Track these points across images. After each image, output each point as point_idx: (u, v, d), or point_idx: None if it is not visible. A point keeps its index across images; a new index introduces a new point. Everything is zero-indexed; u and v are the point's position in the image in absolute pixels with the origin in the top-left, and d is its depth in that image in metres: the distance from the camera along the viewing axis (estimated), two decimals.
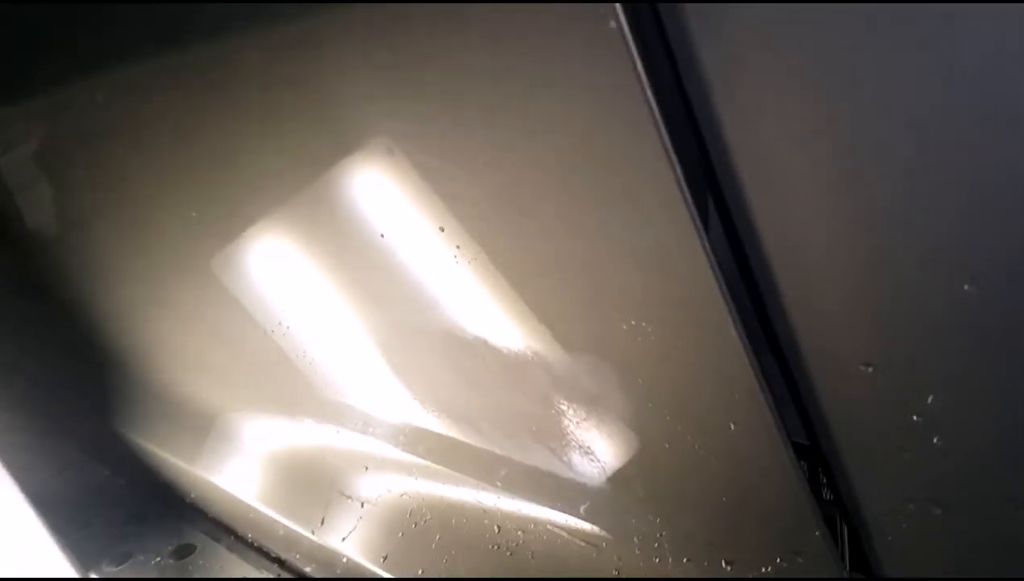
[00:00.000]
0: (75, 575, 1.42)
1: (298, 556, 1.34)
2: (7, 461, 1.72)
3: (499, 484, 1.00)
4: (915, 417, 0.66)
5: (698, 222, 0.63)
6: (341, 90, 0.78)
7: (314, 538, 1.23)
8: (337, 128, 0.82)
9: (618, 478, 0.87)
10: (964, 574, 0.72)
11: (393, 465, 1.16)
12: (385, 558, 1.13)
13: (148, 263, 1.34)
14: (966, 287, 0.57)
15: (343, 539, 1.18)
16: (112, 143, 1.23)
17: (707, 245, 0.64)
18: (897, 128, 0.53)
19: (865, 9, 0.50)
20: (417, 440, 1.09)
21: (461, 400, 1.01)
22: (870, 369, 0.65)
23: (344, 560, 1.17)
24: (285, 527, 1.32)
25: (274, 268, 1.06)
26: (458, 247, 0.82)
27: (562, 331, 0.82)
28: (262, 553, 1.41)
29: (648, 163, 0.61)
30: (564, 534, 0.93)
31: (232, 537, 1.47)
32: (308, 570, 1.32)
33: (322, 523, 1.22)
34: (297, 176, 0.90)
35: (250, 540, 1.44)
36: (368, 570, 1.13)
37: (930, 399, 0.64)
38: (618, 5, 0.55)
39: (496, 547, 1.00)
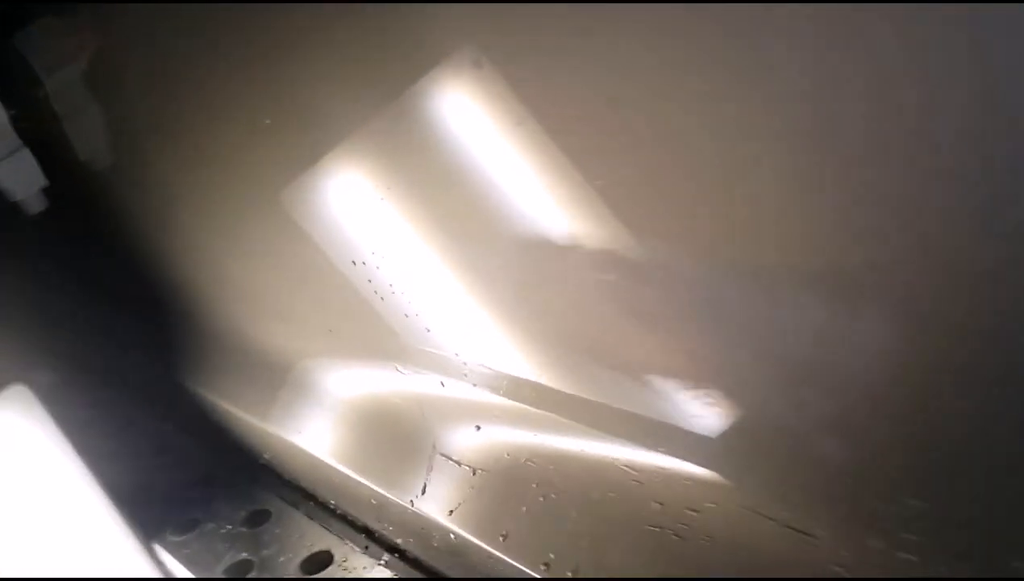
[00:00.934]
0: (136, 544, 1.29)
1: (391, 527, 1.19)
2: (60, 418, 1.55)
3: (660, 448, 0.80)
4: None
5: None
6: None
7: (413, 509, 1.02)
8: (418, 38, 0.79)
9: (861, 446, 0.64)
10: None
11: (513, 422, 0.99)
12: (504, 537, 0.96)
13: (212, 192, 1.27)
14: None
15: (450, 512, 0.99)
16: (170, 51, 1.16)
17: None
18: None
19: None
20: (544, 392, 0.92)
21: (605, 337, 0.83)
22: None
23: (451, 536, 0.99)
24: (376, 493, 1.15)
25: (355, 191, 0.99)
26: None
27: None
28: (347, 522, 1.29)
29: None
30: (761, 517, 0.71)
31: (312, 503, 1.35)
32: (403, 544, 1.17)
33: (423, 492, 1.03)
34: (378, 89, 0.87)
35: (332, 506, 1.32)
36: (482, 550, 0.97)
37: None
38: None
39: (658, 529, 0.80)
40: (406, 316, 1.03)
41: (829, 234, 0.60)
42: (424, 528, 1.08)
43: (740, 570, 0.75)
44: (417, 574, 1.12)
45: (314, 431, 1.28)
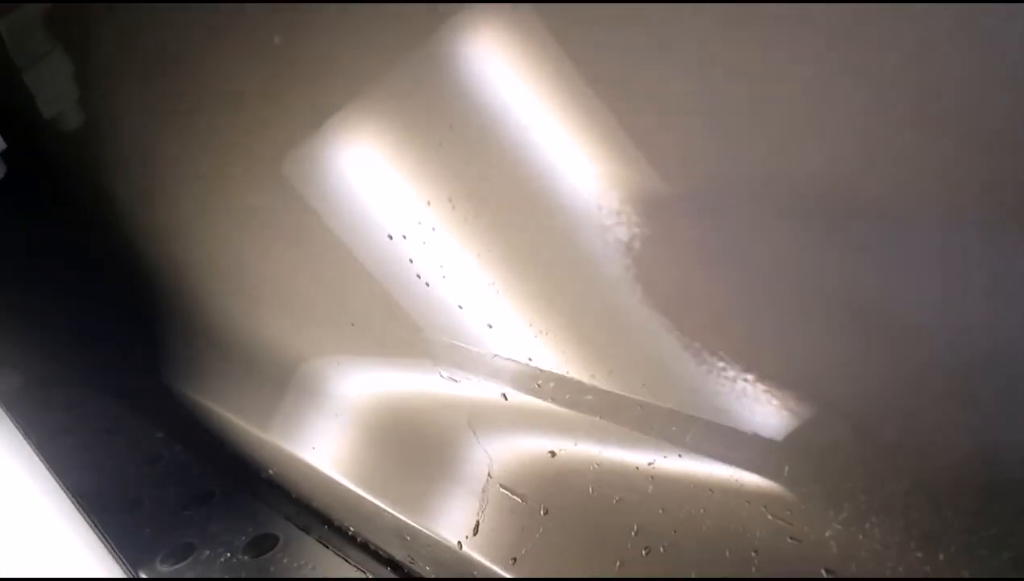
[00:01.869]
0: (120, 575, 1.13)
1: (428, 568, 0.98)
2: (29, 424, 1.42)
3: (811, 492, 0.57)
4: None
5: None
6: None
7: (462, 552, 0.80)
8: None
9: None
10: None
11: (601, 446, 0.77)
12: None
13: (201, 157, 1.08)
14: None
15: (513, 560, 0.77)
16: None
17: None
18: None
19: None
20: (649, 411, 0.70)
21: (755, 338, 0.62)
22: None
23: None
24: (408, 527, 0.96)
25: (367, 163, 0.82)
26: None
27: None
28: (369, 552, 1.10)
29: None
30: None
31: (326, 527, 1.18)
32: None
33: (476, 531, 0.80)
34: (396, 39, 0.73)
35: (351, 533, 1.13)
36: None
37: None
38: None
39: None
40: (460, 307, 0.81)
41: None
42: (477, 575, 0.87)
43: None
44: None
45: (328, 446, 1.10)
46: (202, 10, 0.94)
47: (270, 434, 1.19)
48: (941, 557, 0.55)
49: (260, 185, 1.01)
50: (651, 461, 0.72)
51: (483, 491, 0.87)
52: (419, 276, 0.83)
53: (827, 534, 0.61)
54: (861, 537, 0.59)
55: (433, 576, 0.98)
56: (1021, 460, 0.50)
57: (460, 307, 0.81)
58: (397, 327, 0.93)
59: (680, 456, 0.69)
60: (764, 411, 0.63)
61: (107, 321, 1.65)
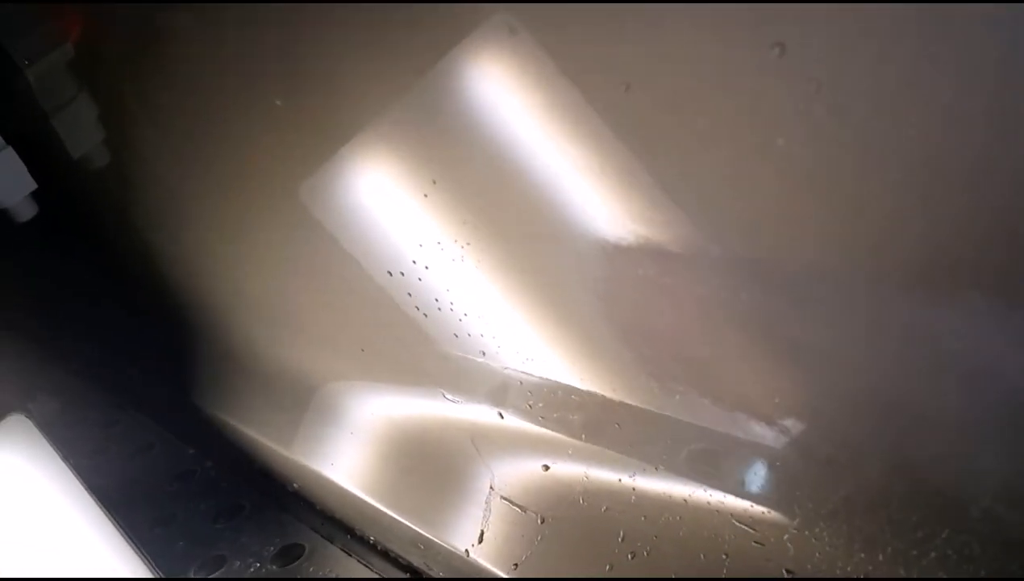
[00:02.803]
0: None
1: (442, 572, 1.04)
2: (68, 445, 1.44)
3: (785, 504, 0.64)
4: None
5: None
6: None
7: (470, 559, 0.86)
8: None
9: None
10: None
11: (589, 461, 0.83)
12: None
13: (221, 193, 1.14)
14: None
15: (515, 565, 0.82)
16: (164, 30, 1.03)
17: None
18: None
19: None
20: (628, 432, 0.77)
21: (713, 360, 0.68)
22: None
23: None
24: (422, 537, 1.02)
25: (386, 186, 0.85)
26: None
27: None
28: (389, 559, 1.14)
29: None
30: None
31: (349, 536, 1.21)
32: None
33: (481, 540, 0.86)
34: (406, 66, 0.76)
35: (372, 542, 1.18)
36: None
37: None
38: None
39: None
40: (455, 336, 0.88)
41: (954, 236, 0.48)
42: (481, 575, 0.93)
43: None
44: None
45: (346, 463, 1.14)
46: (216, 50, 0.98)
47: (293, 451, 1.23)
48: (880, 558, 0.61)
49: (278, 215, 1.05)
50: (632, 474, 0.78)
51: (486, 502, 0.92)
52: (418, 307, 0.89)
53: (785, 538, 0.67)
54: (814, 541, 0.65)
55: (443, 577, 1.03)
56: (936, 472, 0.56)
57: (456, 336, 0.88)
58: (403, 352, 0.98)
59: (657, 469, 0.75)
60: (725, 436, 0.69)
61: (139, 347, 1.66)
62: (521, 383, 0.83)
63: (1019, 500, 0.52)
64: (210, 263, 1.30)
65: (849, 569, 0.62)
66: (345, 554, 1.19)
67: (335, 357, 1.15)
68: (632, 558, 0.77)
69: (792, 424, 0.63)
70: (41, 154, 1.31)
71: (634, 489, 0.78)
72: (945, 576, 0.55)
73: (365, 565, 1.16)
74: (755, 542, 0.68)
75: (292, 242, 1.06)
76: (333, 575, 1.16)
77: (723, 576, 0.70)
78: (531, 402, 0.83)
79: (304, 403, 1.21)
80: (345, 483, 1.14)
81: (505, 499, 0.90)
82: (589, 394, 0.77)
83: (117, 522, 1.15)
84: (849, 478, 0.61)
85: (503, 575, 0.88)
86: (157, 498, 1.42)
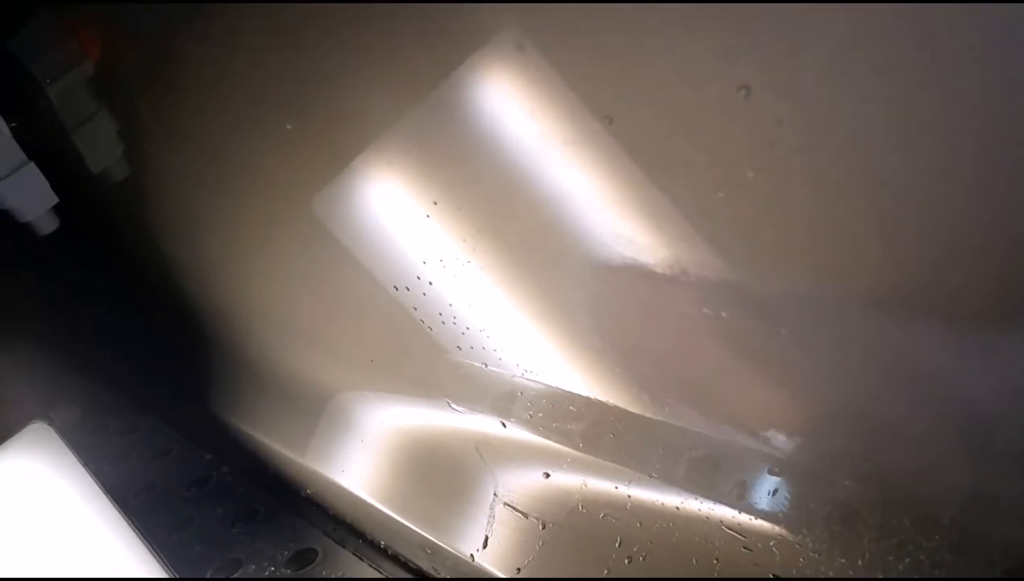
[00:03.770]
0: None
1: (449, 576, 1.06)
2: (98, 450, 1.57)
3: (771, 513, 0.67)
4: None
5: None
6: None
7: (475, 563, 0.88)
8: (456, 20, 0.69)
9: None
10: None
11: (587, 471, 0.86)
12: None
13: (234, 207, 1.17)
14: None
15: (518, 569, 0.85)
16: (178, 49, 1.06)
17: None
18: None
19: None
20: (624, 442, 0.80)
21: (704, 381, 0.71)
22: None
23: None
24: (429, 542, 1.04)
25: (391, 202, 0.88)
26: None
27: None
28: (399, 563, 1.16)
29: None
30: None
31: (360, 541, 1.23)
32: None
33: (485, 545, 0.88)
34: (415, 84, 0.76)
35: (383, 547, 1.19)
36: None
37: None
38: None
39: None
40: (459, 348, 0.91)
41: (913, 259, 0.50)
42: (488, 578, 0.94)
43: None
44: None
45: (357, 470, 1.17)
46: (226, 73, 1.01)
47: (306, 458, 1.25)
48: (859, 563, 0.63)
49: (289, 230, 1.07)
50: (627, 482, 0.81)
51: (490, 508, 0.95)
52: (423, 321, 0.91)
53: (771, 544, 0.70)
54: (798, 547, 0.67)
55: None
56: (906, 483, 0.59)
57: (459, 348, 0.91)
58: (410, 364, 1.01)
59: (651, 477, 0.78)
60: (713, 448, 0.71)
61: (157, 356, 1.67)
62: (521, 393, 0.85)
63: (984, 510, 0.55)
64: (226, 275, 1.33)
65: (831, 573, 0.65)
66: (357, 558, 1.21)
67: (346, 368, 1.18)
68: (629, 563, 0.80)
69: (773, 436, 0.66)
70: (62, 169, 1.33)
71: (629, 497, 0.81)
72: (919, 578, 0.57)
73: (376, 569, 1.17)
74: (744, 548, 0.71)
75: (304, 256, 1.09)
76: (346, 579, 1.17)
77: (714, 579, 0.72)
78: (531, 412, 0.86)
79: (317, 411, 1.23)
80: (356, 489, 1.16)
81: (508, 505, 0.92)
82: (586, 405, 0.80)
83: (136, 526, 1.18)
84: (827, 488, 0.63)
85: (506, 578, 0.90)
86: (175, 503, 1.44)
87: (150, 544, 1.16)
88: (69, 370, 1.80)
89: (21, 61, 1.28)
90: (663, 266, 0.65)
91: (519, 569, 0.89)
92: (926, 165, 0.48)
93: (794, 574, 0.67)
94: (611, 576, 0.80)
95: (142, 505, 1.42)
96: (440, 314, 0.88)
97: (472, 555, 0.95)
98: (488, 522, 0.94)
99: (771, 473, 0.68)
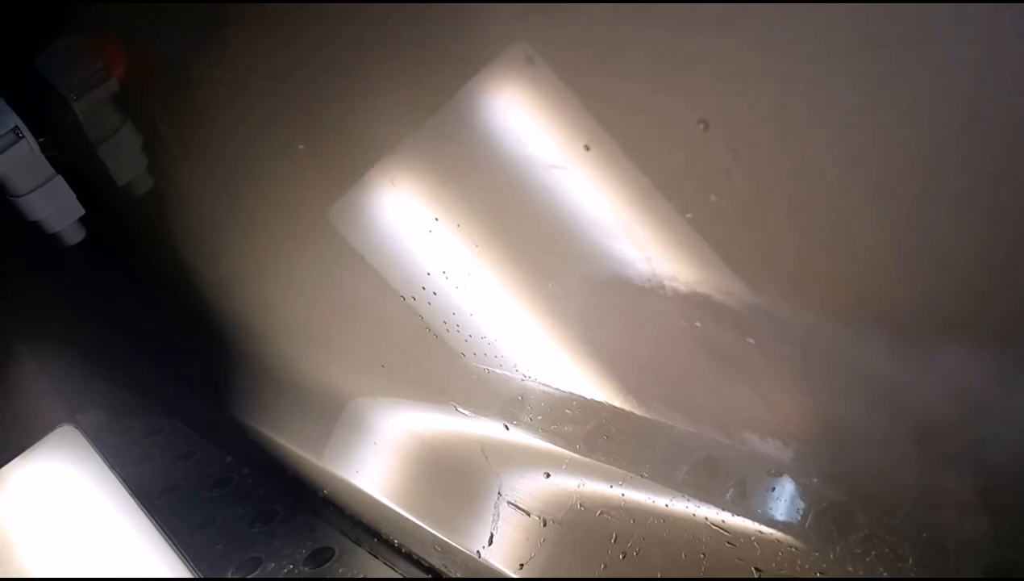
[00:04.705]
0: None
1: (458, 573, 1.10)
2: (123, 452, 1.62)
3: (754, 511, 0.71)
4: None
5: None
6: None
7: (481, 560, 0.92)
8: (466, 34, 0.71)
9: None
10: None
11: (585, 472, 0.89)
12: None
13: (251, 218, 1.21)
14: None
15: (521, 565, 0.89)
16: (197, 67, 1.10)
17: None
18: None
19: None
20: (618, 444, 0.84)
21: (692, 387, 0.75)
22: None
23: None
24: (439, 540, 1.08)
25: (402, 215, 0.91)
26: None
27: None
28: (412, 561, 1.20)
29: None
30: None
31: (375, 540, 1.27)
32: None
33: (491, 542, 0.93)
34: (425, 99, 0.79)
35: (397, 545, 1.23)
36: None
37: None
38: None
39: None
40: (463, 355, 0.94)
41: (988, 284, 0.51)
42: (495, 575, 0.98)
43: None
44: None
45: (371, 471, 1.20)
46: (240, 95, 1.05)
47: (323, 460, 1.28)
48: (831, 556, 0.68)
49: (304, 241, 1.11)
50: (621, 482, 0.85)
51: (495, 507, 0.99)
52: (428, 329, 0.95)
53: (752, 539, 0.74)
54: (776, 542, 0.72)
55: (460, 577, 1.08)
56: (867, 482, 0.63)
57: (463, 355, 0.95)
58: (418, 370, 1.05)
59: (642, 477, 0.82)
60: (696, 449, 0.76)
61: (181, 362, 1.70)
62: (522, 398, 0.90)
63: (934, 503, 0.59)
64: (244, 284, 1.37)
65: (807, 566, 0.69)
66: (372, 557, 1.24)
67: (359, 373, 1.22)
68: (623, 558, 0.84)
69: (748, 438, 0.70)
70: (88, 182, 1.37)
71: (623, 496, 0.85)
72: (884, 571, 0.61)
73: (390, 567, 1.21)
74: (727, 543, 0.75)
75: (317, 266, 1.13)
76: (361, 577, 1.21)
77: (701, 573, 0.76)
78: (532, 415, 0.90)
79: (333, 415, 1.27)
80: (370, 490, 1.20)
81: (512, 504, 0.96)
82: (581, 409, 0.84)
83: (159, 525, 1.21)
84: (798, 487, 0.68)
85: (511, 574, 0.94)
86: (197, 503, 1.47)
87: (173, 543, 1.20)
88: (95, 376, 1.85)
89: (48, 78, 1.32)
90: (642, 279, 0.69)
91: (522, 565, 0.93)
92: (865, 190, 0.52)
93: (773, 568, 0.71)
94: (607, 572, 0.84)
95: (165, 505, 1.46)
96: (444, 322, 0.92)
97: (479, 551, 0.99)
98: (493, 520, 0.98)
99: (747, 473, 0.72)
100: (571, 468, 0.90)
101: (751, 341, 0.64)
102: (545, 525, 0.92)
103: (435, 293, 0.91)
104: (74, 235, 1.37)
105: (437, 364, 0.99)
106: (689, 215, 0.61)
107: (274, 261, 1.23)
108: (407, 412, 1.15)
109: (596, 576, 0.84)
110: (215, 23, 0.99)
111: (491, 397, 0.94)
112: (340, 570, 1.23)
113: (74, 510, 1.26)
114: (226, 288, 1.41)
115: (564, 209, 0.73)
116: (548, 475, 0.92)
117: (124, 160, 1.38)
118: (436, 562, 1.13)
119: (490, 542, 0.97)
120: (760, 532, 0.72)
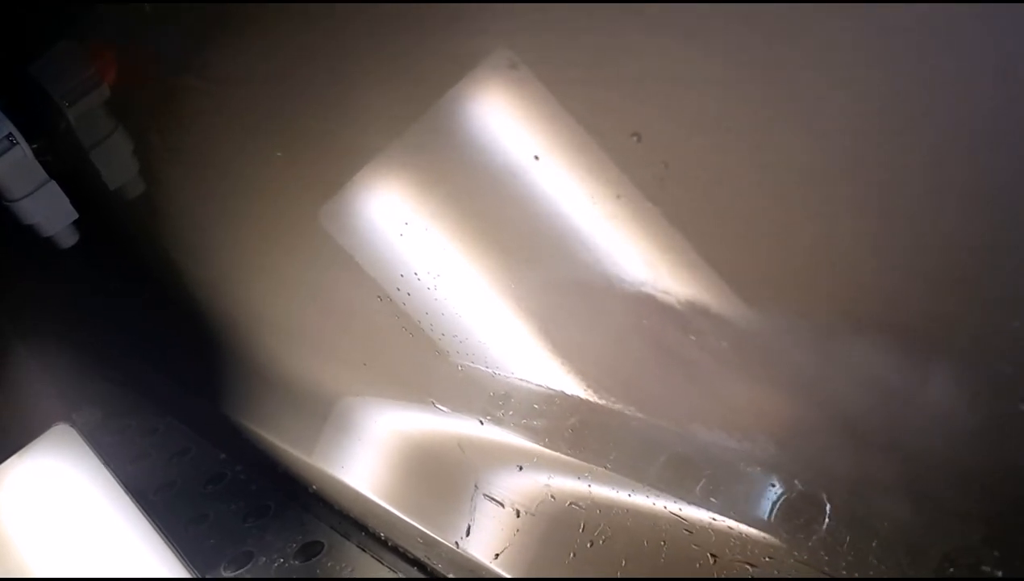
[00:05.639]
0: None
1: (440, 565, 1.13)
2: (119, 449, 1.63)
3: (709, 501, 0.74)
4: None
5: None
6: None
7: (459, 550, 0.95)
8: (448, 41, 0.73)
9: None
10: None
11: (556, 465, 0.92)
12: None
13: (239, 220, 1.24)
14: None
15: (496, 555, 0.92)
16: (186, 72, 1.12)
17: None
18: None
19: None
20: (585, 438, 0.87)
21: (651, 385, 0.78)
22: None
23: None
24: (421, 532, 1.10)
25: (383, 216, 0.94)
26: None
27: None
28: (399, 554, 1.22)
29: None
30: (819, 573, 0.66)
31: (363, 533, 1.29)
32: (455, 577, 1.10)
33: (468, 533, 0.96)
34: (409, 105, 0.81)
35: (383, 539, 1.26)
36: None
37: None
38: None
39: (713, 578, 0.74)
40: (436, 353, 0.97)
41: (897, 283, 0.54)
42: (474, 569, 1.02)
43: None
44: None
45: (356, 466, 1.23)
46: (224, 103, 1.08)
47: (313, 456, 1.31)
48: (777, 540, 0.71)
49: (289, 243, 1.15)
50: (588, 474, 0.89)
51: (472, 499, 1.02)
52: (404, 328, 0.99)
53: (708, 528, 0.77)
54: (729, 529, 0.75)
55: (443, 569, 1.11)
56: (849, 487, 0.66)
57: (437, 354, 0.99)
58: (397, 368, 1.08)
59: (607, 469, 0.86)
60: (656, 442, 0.79)
61: (175, 361, 1.73)
62: (493, 393, 0.93)
63: (863, 492, 0.62)
64: (235, 285, 1.39)
65: (757, 551, 0.73)
66: (360, 550, 1.27)
67: (344, 372, 1.25)
68: (591, 546, 0.87)
69: (698, 431, 0.74)
70: (81, 186, 1.40)
71: (590, 487, 0.88)
72: (824, 554, 0.64)
73: (377, 560, 1.23)
74: (685, 530, 0.78)
75: (304, 267, 1.16)
76: (349, 569, 1.23)
77: (661, 560, 0.80)
78: (504, 411, 0.93)
79: (323, 413, 1.29)
80: (357, 485, 1.23)
81: (488, 497, 0.99)
82: (549, 405, 0.87)
83: (154, 521, 1.24)
84: (748, 478, 0.71)
85: (487, 564, 0.97)
86: (192, 499, 1.50)
87: (167, 538, 1.22)
88: (92, 375, 1.87)
89: (42, 85, 1.35)
90: (596, 280, 0.72)
91: (497, 554, 0.96)
92: (784, 195, 0.56)
93: (726, 553, 0.75)
94: (575, 560, 0.87)
95: (161, 501, 1.48)
96: (419, 322, 0.96)
97: (457, 542, 1.02)
98: (470, 512, 1.01)
99: (705, 465, 0.75)
100: (542, 462, 0.93)
101: (692, 338, 0.67)
102: (519, 516, 0.95)
103: (408, 294, 0.94)
104: (68, 238, 1.39)
105: (415, 362, 1.02)
106: (627, 221, 0.65)
107: (262, 261, 1.26)
108: (390, 409, 1.18)
109: (566, 564, 0.87)
110: (201, 36, 1.02)
111: (467, 394, 0.98)
112: (329, 564, 1.25)
113: (70, 508, 1.28)
114: (217, 288, 1.44)
115: (530, 214, 0.77)
116: (521, 468, 0.95)
117: (116, 164, 1.41)
118: (420, 554, 1.16)
119: (468, 533, 1.00)
120: (713, 520, 0.75)
